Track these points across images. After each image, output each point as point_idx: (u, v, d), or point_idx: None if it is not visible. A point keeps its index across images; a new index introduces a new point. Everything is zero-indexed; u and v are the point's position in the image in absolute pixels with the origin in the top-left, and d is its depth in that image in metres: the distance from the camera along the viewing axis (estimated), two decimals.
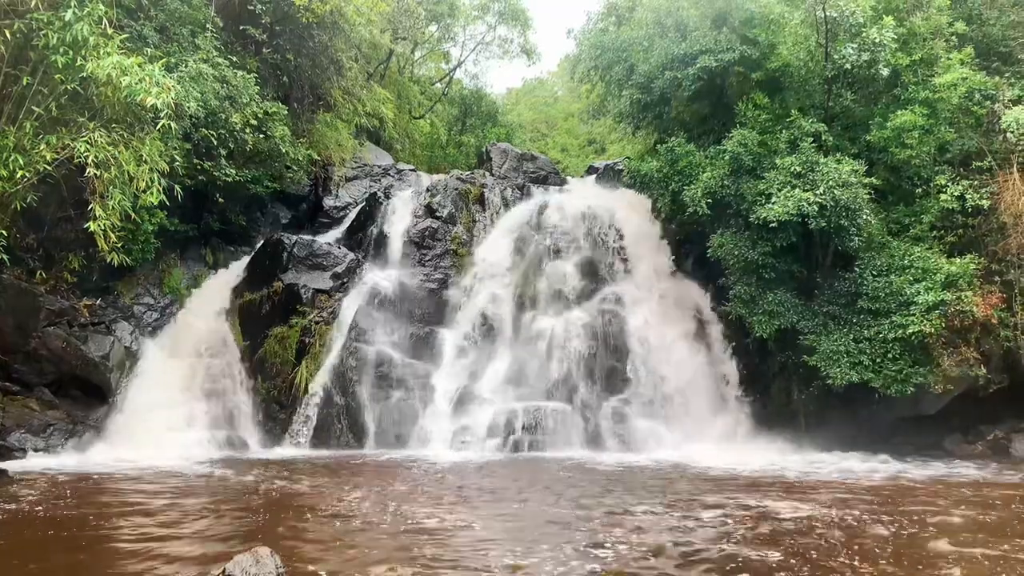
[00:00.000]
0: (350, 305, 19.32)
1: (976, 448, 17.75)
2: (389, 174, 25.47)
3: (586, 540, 8.89)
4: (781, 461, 15.89)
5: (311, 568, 7.51)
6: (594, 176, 28.52)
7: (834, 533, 9.33)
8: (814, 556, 8.24)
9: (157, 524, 9.52)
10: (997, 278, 17.23)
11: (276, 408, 18.16)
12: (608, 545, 8.63)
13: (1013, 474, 14.63)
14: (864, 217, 17.01)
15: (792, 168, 17.40)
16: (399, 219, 21.88)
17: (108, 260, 14.21)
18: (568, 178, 29.16)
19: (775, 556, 8.21)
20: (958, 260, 16.80)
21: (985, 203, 17.44)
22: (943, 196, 17.64)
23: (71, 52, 12.70)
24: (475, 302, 20.43)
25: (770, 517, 10.27)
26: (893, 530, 9.55)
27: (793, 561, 8.00)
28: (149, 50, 15.56)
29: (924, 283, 16.55)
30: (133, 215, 14.57)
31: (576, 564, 7.84)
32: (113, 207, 13.32)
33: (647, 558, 8.16)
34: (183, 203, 16.29)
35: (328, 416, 17.69)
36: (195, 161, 17.80)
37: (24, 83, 13.10)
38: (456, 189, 22.88)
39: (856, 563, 7.97)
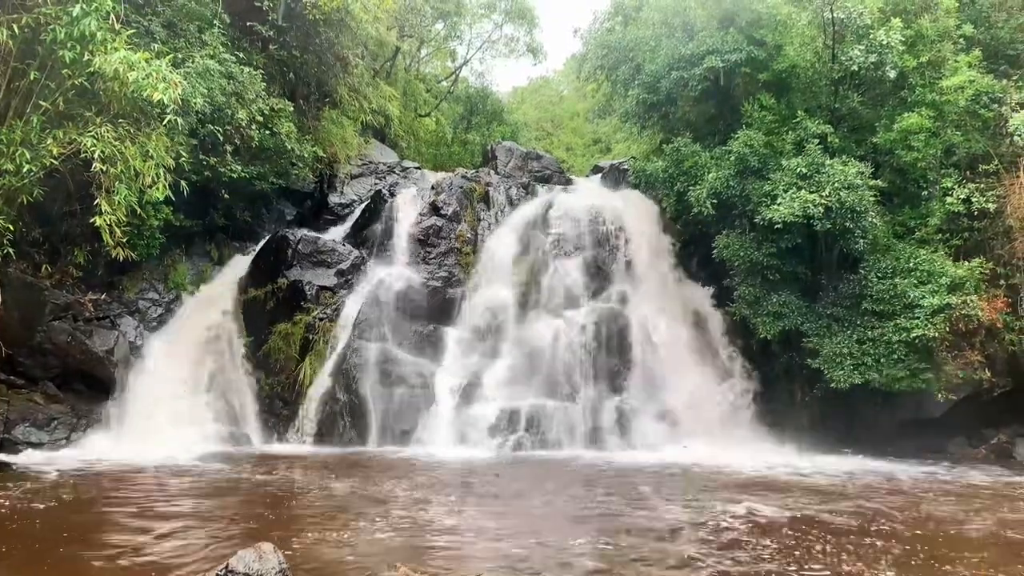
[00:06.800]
0: (354, 302, 19.32)
1: (979, 452, 17.71)
2: (394, 172, 25.46)
3: (595, 542, 8.89)
4: (784, 462, 15.86)
5: (314, 564, 7.53)
6: (599, 175, 28.45)
7: (848, 538, 9.33)
8: (829, 560, 8.23)
9: (160, 518, 9.54)
10: (1003, 282, 17.19)
11: (279, 404, 18.19)
12: (619, 546, 8.63)
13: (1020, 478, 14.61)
14: (870, 219, 16.97)
15: (798, 169, 17.37)
16: (404, 217, 21.83)
17: (113, 255, 14.22)
18: (573, 177, 29.06)
19: (783, 562, 8.21)
20: (965, 264, 16.77)
21: (991, 206, 17.40)
22: (949, 199, 17.60)
23: (79, 47, 12.71)
24: (479, 300, 20.39)
25: (774, 519, 10.26)
26: (894, 531, 9.54)
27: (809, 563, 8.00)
28: (156, 46, 15.58)
29: (929, 286, 16.53)
30: (139, 210, 14.59)
31: (583, 564, 7.85)
32: (119, 202, 13.34)
33: (653, 564, 8.16)
34: (188, 199, 16.28)
35: (331, 412, 17.70)
36: (201, 157, 17.78)
37: (31, 78, 13.11)
38: (461, 187, 22.85)
39: (871, 568, 7.96)
